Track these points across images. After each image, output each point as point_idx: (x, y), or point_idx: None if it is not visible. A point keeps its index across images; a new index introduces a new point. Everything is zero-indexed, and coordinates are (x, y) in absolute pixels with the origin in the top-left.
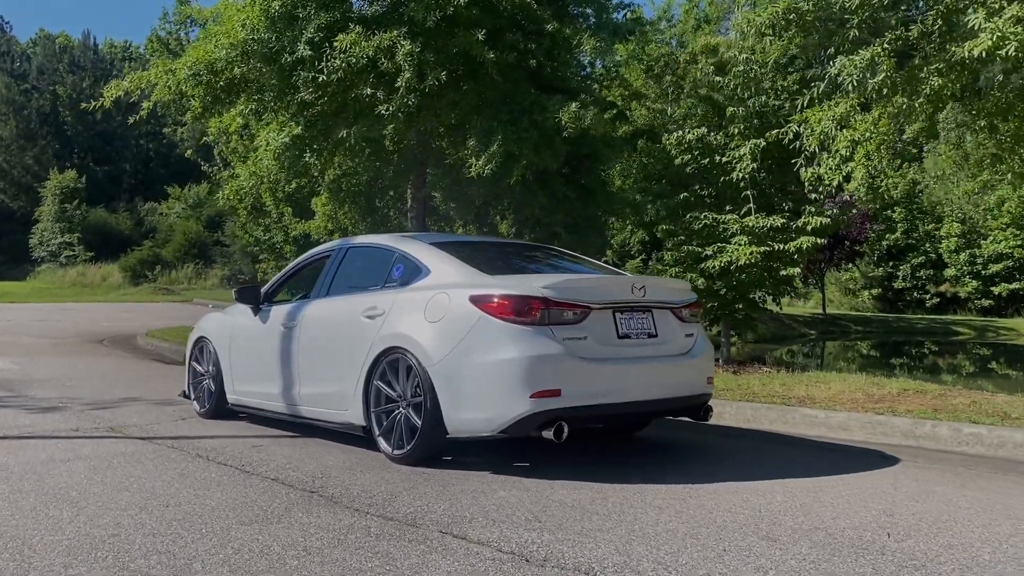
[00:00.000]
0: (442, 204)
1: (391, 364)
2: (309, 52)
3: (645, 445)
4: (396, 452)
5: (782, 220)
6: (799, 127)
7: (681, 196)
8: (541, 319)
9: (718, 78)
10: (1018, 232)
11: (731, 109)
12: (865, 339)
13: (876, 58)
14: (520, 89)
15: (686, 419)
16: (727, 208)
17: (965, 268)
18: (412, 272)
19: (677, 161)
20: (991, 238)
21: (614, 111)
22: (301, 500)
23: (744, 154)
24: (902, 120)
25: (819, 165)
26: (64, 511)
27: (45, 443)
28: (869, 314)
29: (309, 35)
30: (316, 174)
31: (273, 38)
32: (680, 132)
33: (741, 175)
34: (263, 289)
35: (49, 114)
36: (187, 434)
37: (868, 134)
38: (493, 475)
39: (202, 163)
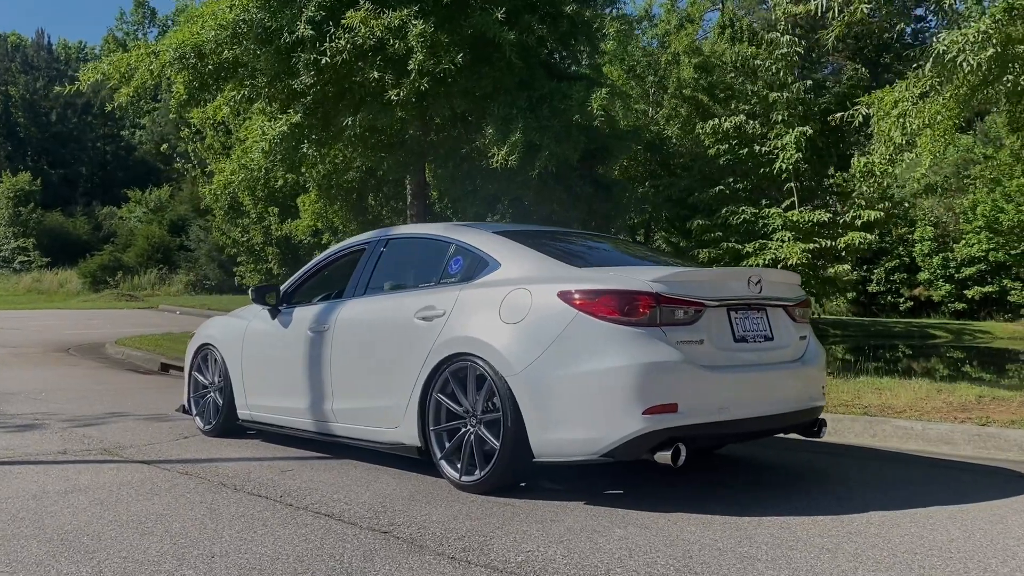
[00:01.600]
0: (443, 200)
1: (456, 374)
2: (311, 32)
3: (729, 466)
4: (465, 479)
5: (828, 215)
6: (868, 109)
7: (716, 189)
8: (651, 319)
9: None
10: (991, 236)
11: (774, 95)
12: (845, 342)
13: (987, 31)
14: (536, 76)
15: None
16: (763, 203)
17: (938, 272)
18: (476, 265)
19: (711, 152)
20: (963, 242)
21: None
22: (378, 544)
23: (788, 143)
24: (979, 105)
25: (871, 154)
26: (80, 567)
27: (32, 470)
28: (845, 318)
29: (310, 13)
30: (315, 166)
31: (268, 17)
32: (716, 120)
33: (785, 166)
34: (282, 288)
35: (1, 115)
36: (197, 456)
37: (938, 117)
38: (590, 506)
39: (162, 166)
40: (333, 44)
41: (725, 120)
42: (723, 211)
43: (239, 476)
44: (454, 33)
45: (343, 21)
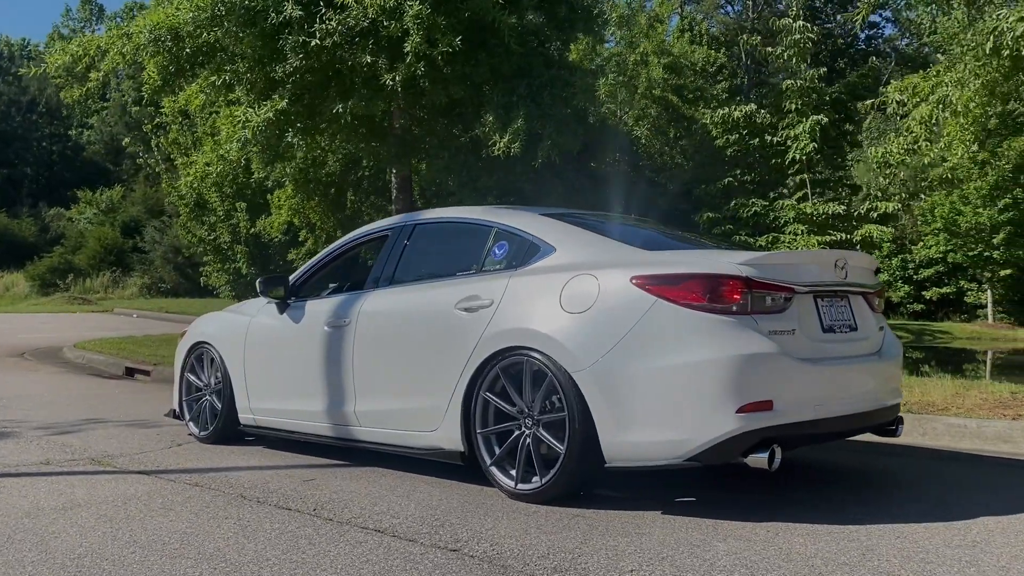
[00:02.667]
0: (425, 195)
1: (508, 370)
2: (299, 12)
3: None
4: (521, 487)
5: (842, 207)
6: (901, 95)
7: (725, 180)
8: (743, 306)
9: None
10: (949, 238)
11: (787, 82)
12: None
13: None
14: (534, 63)
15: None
16: (770, 195)
17: (897, 273)
18: (526, 250)
19: (719, 142)
20: (922, 244)
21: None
22: (453, 565)
23: (803, 132)
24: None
25: (888, 144)
26: None
27: (15, 483)
28: None
29: None
30: (295, 157)
31: None
32: (726, 109)
33: (798, 155)
34: (291, 280)
35: None
36: (200, 465)
37: (970, 105)
38: (670, 516)
39: (111, 167)
40: (323, 25)
41: (735, 109)
42: (732, 203)
43: (256, 487)
44: (451, 16)
45: (335, 0)
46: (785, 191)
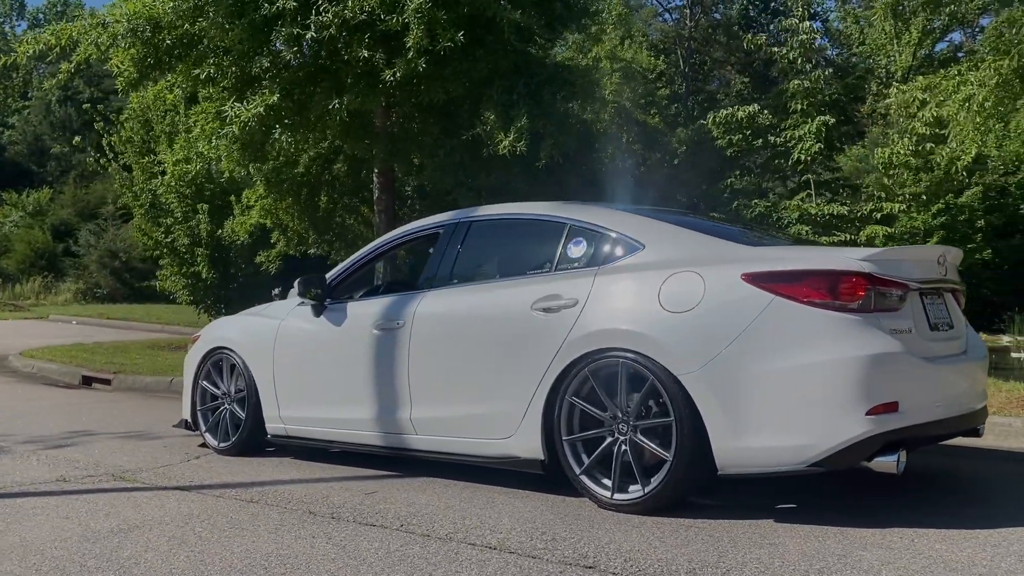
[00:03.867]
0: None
1: (598, 373)
2: (293, 3)
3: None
4: (619, 497)
5: (845, 208)
6: (923, 95)
7: (728, 181)
8: (864, 304)
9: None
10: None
11: (795, 83)
12: None
13: None
14: (531, 60)
15: None
16: (769, 196)
17: None
18: (608, 247)
19: (720, 142)
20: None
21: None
22: None
23: (808, 132)
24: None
25: (891, 144)
26: None
27: (44, 504)
28: None
29: None
30: (279, 156)
31: None
32: (729, 110)
33: (803, 156)
34: (329, 280)
35: None
36: (239, 479)
37: (985, 104)
38: (784, 524)
39: (35, 168)
40: (318, 18)
41: (738, 110)
42: (735, 204)
43: (318, 501)
44: (451, 11)
45: None
46: (783, 191)
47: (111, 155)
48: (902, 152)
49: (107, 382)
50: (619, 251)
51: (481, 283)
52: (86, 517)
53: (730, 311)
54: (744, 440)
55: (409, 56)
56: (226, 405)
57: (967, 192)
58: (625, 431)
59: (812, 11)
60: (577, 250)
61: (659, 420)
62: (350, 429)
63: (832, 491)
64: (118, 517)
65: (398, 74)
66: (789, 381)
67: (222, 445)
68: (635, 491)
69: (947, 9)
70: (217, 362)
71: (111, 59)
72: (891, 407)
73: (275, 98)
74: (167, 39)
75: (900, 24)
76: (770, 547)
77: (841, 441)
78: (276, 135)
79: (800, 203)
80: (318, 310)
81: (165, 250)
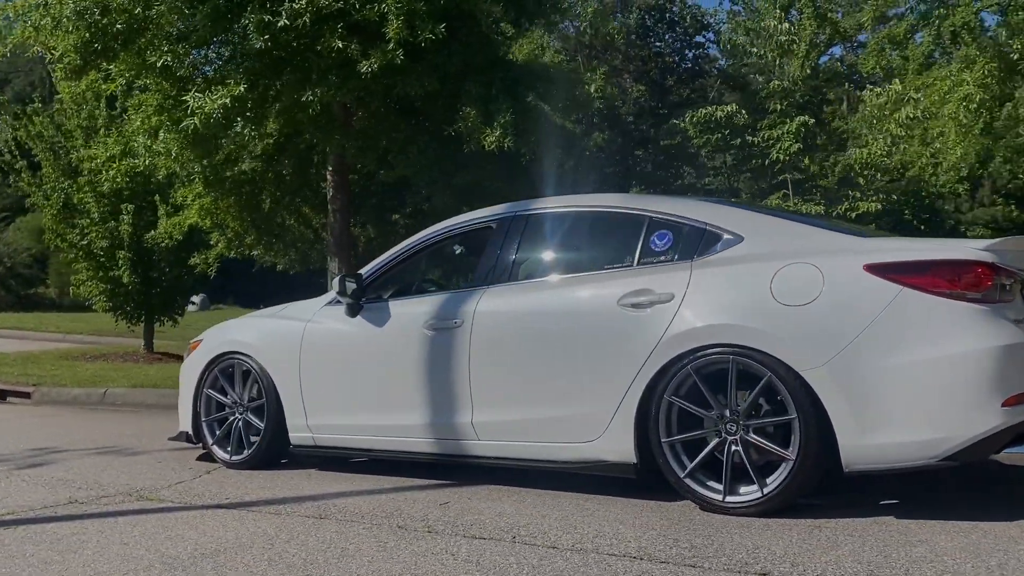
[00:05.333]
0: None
1: (703, 370)
2: None
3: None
4: (731, 500)
5: (821, 208)
6: (918, 93)
7: (705, 180)
8: (989, 294)
9: None
10: None
11: (775, 82)
12: None
13: None
14: (504, 55)
15: None
16: (743, 196)
17: None
18: (700, 240)
19: (696, 141)
20: None
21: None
22: None
23: (787, 132)
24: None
25: (868, 145)
26: None
27: (83, 528)
28: None
29: None
30: (246, 147)
31: None
32: (708, 109)
33: (782, 156)
34: (365, 278)
35: None
36: (287, 495)
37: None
38: (904, 520)
39: None
40: (292, 5)
41: (717, 109)
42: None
43: (396, 514)
44: (429, 3)
45: None
46: (756, 191)
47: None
48: (878, 152)
49: (26, 395)
50: (714, 244)
51: (550, 279)
52: (148, 542)
53: (854, 303)
54: (873, 437)
55: (388, 48)
56: (238, 415)
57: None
58: (735, 431)
59: (704, 23)
60: (662, 243)
61: (775, 418)
62: (396, 436)
63: (900, 485)
64: (186, 540)
65: (375, 66)
66: (921, 374)
67: (235, 459)
68: (750, 492)
69: (828, 29)
70: (226, 368)
71: (50, 44)
72: (1021, 398)
73: (241, 89)
74: (118, 22)
75: (789, 38)
76: (922, 545)
77: (978, 433)
78: (238, 128)
79: (779, 202)
80: (354, 310)
81: (80, 253)
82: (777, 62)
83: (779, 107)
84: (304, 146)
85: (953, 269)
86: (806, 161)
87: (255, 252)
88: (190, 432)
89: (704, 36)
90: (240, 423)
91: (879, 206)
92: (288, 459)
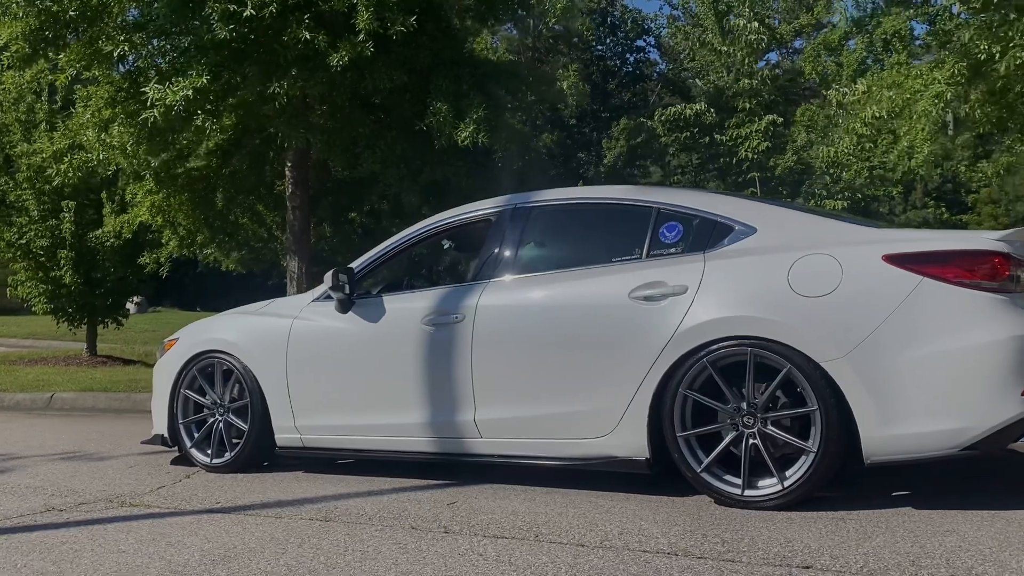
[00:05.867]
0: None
1: (719, 362)
2: None
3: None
4: (750, 494)
5: None
6: (891, 93)
7: (673, 179)
8: (1006, 284)
9: None
10: None
11: (745, 81)
12: None
13: None
14: (472, 51)
15: None
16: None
17: None
18: (710, 232)
19: (664, 140)
20: None
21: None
22: None
23: (756, 131)
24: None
25: (833, 145)
26: None
27: (73, 537)
28: None
29: None
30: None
31: None
32: (677, 107)
33: (750, 155)
34: (356, 272)
35: None
36: (282, 498)
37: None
38: (923, 511)
39: None
40: None
41: (687, 107)
42: None
43: (406, 515)
44: None
45: None
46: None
47: None
48: (844, 151)
49: None
50: (726, 235)
51: (556, 272)
52: (148, 549)
53: (874, 294)
54: (895, 427)
55: (359, 40)
56: (219, 416)
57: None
58: (752, 424)
59: (644, 27)
60: (672, 235)
61: (795, 410)
62: (393, 436)
63: (907, 476)
64: (189, 547)
65: (346, 58)
66: (943, 363)
67: (216, 462)
68: (769, 486)
69: (766, 35)
70: (206, 368)
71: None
72: None
73: (204, 80)
74: (70, 9)
75: (728, 42)
76: (952, 534)
77: (999, 422)
78: (198, 122)
79: None
80: (346, 305)
81: (18, 253)
82: (746, 61)
83: (747, 106)
84: (259, 141)
85: (972, 259)
86: (772, 161)
87: (208, 251)
88: (166, 435)
89: (645, 40)
90: (221, 425)
91: (844, 204)
92: (269, 462)
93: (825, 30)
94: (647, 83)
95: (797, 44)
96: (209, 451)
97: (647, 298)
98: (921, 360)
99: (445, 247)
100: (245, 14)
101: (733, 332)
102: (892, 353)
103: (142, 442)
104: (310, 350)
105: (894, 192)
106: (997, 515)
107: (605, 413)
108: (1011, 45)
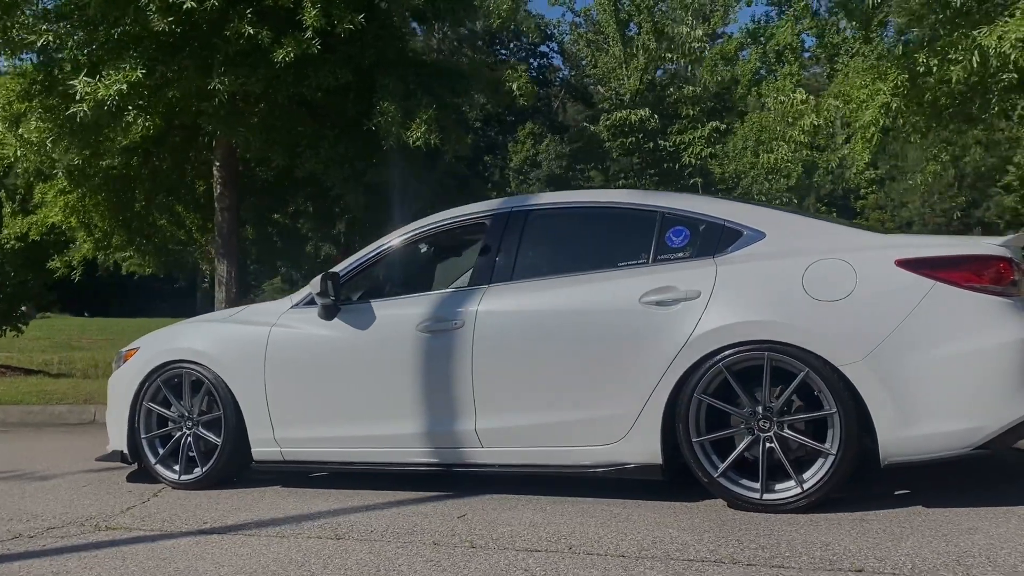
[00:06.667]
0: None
1: (735, 367)
2: None
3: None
4: (769, 497)
5: None
6: (838, 102)
7: (618, 183)
8: (1010, 288)
9: None
10: None
11: (689, 88)
12: None
13: None
14: (415, 52)
15: None
16: None
17: None
18: (719, 237)
19: (608, 145)
20: None
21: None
22: None
23: (699, 137)
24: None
25: (773, 151)
26: None
27: (54, 567)
28: None
29: None
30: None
31: None
32: (623, 112)
33: (693, 161)
34: (341, 277)
35: None
36: (275, 515)
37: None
38: (935, 509)
39: None
40: None
41: (631, 113)
42: None
43: (421, 531)
44: None
45: None
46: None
47: None
48: (783, 157)
49: None
50: (734, 240)
51: (560, 277)
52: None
53: (889, 298)
54: (912, 428)
55: (305, 36)
56: (187, 430)
57: None
58: (768, 427)
59: (547, 32)
60: (678, 240)
61: (811, 414)
62: (385, 447)
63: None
64: (203, 572)
65: (292, 55)
66: (958, 365)
67: (184, 478)
68: (786, 489)
69: (666, 44)
70: (172, 379)
71: None
72: None
73: (139, 74)
74: None
75: (629, 50)
76: (978, 532)
77: (1009, 421)
78: (129, 118)
79: None
80: (331, 312)
81: None
82: (689, 68)
83: (691, 112)
84: (179, 139)
85: (980, 264)
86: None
87: (127, 255)
88: (125, 451)
89: (548, 46)
90: (190, 439)
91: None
92: (239, 478)
93: (720, 40)
94: (550, 88)
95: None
96: (176, 467)
97: (659, 303)
98: (936, 362)
99: (423, 251)
100: (185, 6)
101: (749, 337)
102: (908, 355)
103: (97, 459)
104: (292, 359)
105: (792, 197)
106: (1011, 511)
107: (616, 419)
108: (948, 58)
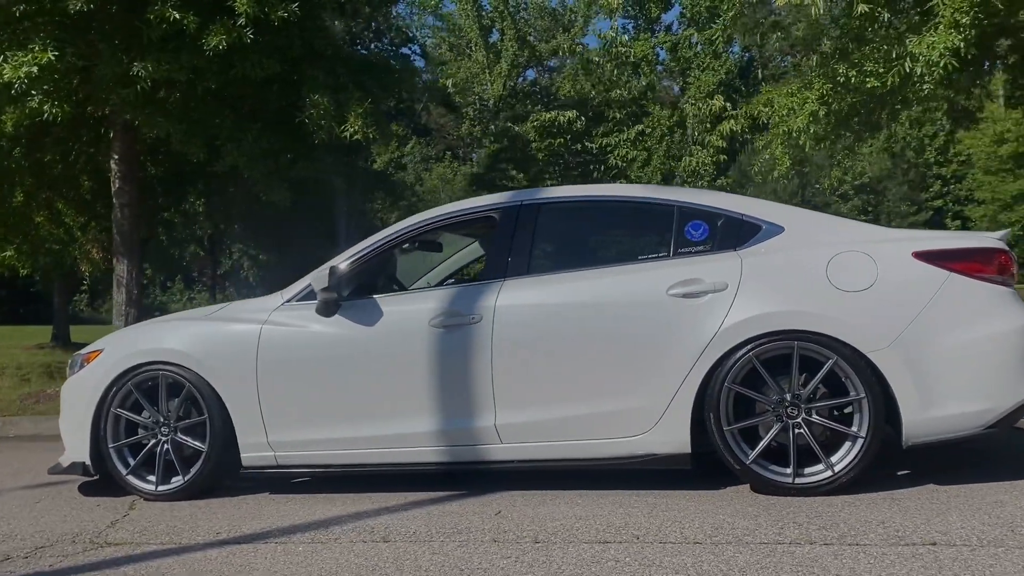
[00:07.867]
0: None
1: (763, 356)
2: None
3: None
4: (801, 481)
5: None
6: (766, 107)
7: (544, 183)
8: (1011, 278)
9: None
10: None
11: (617, 92)
12: None
13: None
14: (343, 45)
15: None
16: None
17: None
18: (739, 230)
19: (535, 145)
20: None
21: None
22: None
23: (625, 140)
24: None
25: (692, 156)
26: None
27: None
28: None
29: None
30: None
31: None
32: (552, 112)
33: (620, 163)
34: (341, 273)
35: None
36: (292, 522)
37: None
38: (946, 486)
39: None
40: None
41: (560, 115)
42: None
43: (462, 531)
44: None
45: None
46: None
47: None
48: (704, 161)
49: None
50: (754, 234)
51: (582, 271)
52: None
53: (910, 287)
54: (933, 410)
55: (237, 23)
56: (162, 436)
57: None
58: (796, 414)
59: (410, 35)
60: (698, 233)
61: (837, 400)
62: (394, 447)
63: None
64: None
65: (224, 42)
66: (973, 350)
67: (163, 488)
68: (817, 472)
69: (526, 52)
70: (144, 382)
71: None
72: None
73: (51, 56)
74: None
75: (492, 56)
76: (1008, 505)
77: (1017, 402)
78: (33, 104)
79: None
80: (331, 308)
81: None
82: (614, 72)
83: (617, 116)
84: (65, 131)
85: (987, 256)
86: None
87: (7, 254)
88: (88, 462)
89: (410, 48)
90: (169, 446)
91: None
92: (218, 486)
93: (580, 51)
94: (413, 91)
95: (552, 64)
96: (151, 477)
97: (686, 295)
98: (954, 347)
99: (405, 248)
100: None
101: (779, 327)
102: (929, 342)
103: (50, 471)
104: (288, 358)
105: None
106: (1015, 485)
107: (645, 410)
108: (863, 70)
